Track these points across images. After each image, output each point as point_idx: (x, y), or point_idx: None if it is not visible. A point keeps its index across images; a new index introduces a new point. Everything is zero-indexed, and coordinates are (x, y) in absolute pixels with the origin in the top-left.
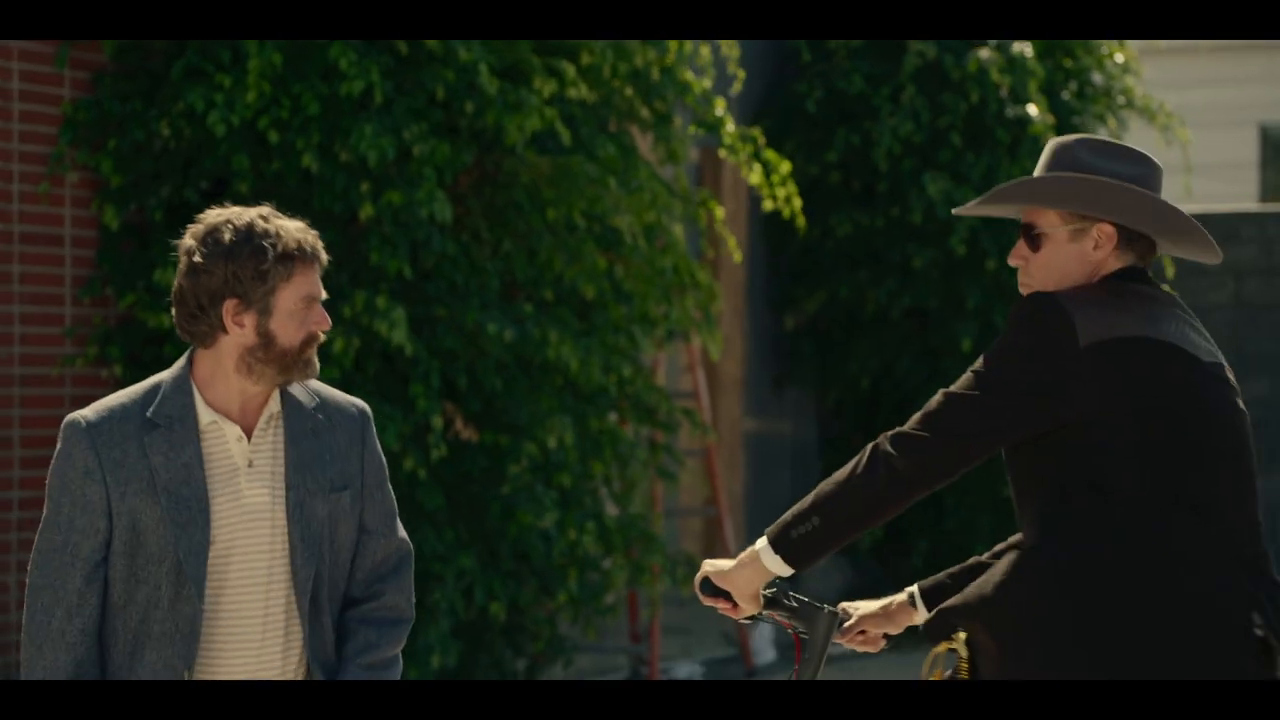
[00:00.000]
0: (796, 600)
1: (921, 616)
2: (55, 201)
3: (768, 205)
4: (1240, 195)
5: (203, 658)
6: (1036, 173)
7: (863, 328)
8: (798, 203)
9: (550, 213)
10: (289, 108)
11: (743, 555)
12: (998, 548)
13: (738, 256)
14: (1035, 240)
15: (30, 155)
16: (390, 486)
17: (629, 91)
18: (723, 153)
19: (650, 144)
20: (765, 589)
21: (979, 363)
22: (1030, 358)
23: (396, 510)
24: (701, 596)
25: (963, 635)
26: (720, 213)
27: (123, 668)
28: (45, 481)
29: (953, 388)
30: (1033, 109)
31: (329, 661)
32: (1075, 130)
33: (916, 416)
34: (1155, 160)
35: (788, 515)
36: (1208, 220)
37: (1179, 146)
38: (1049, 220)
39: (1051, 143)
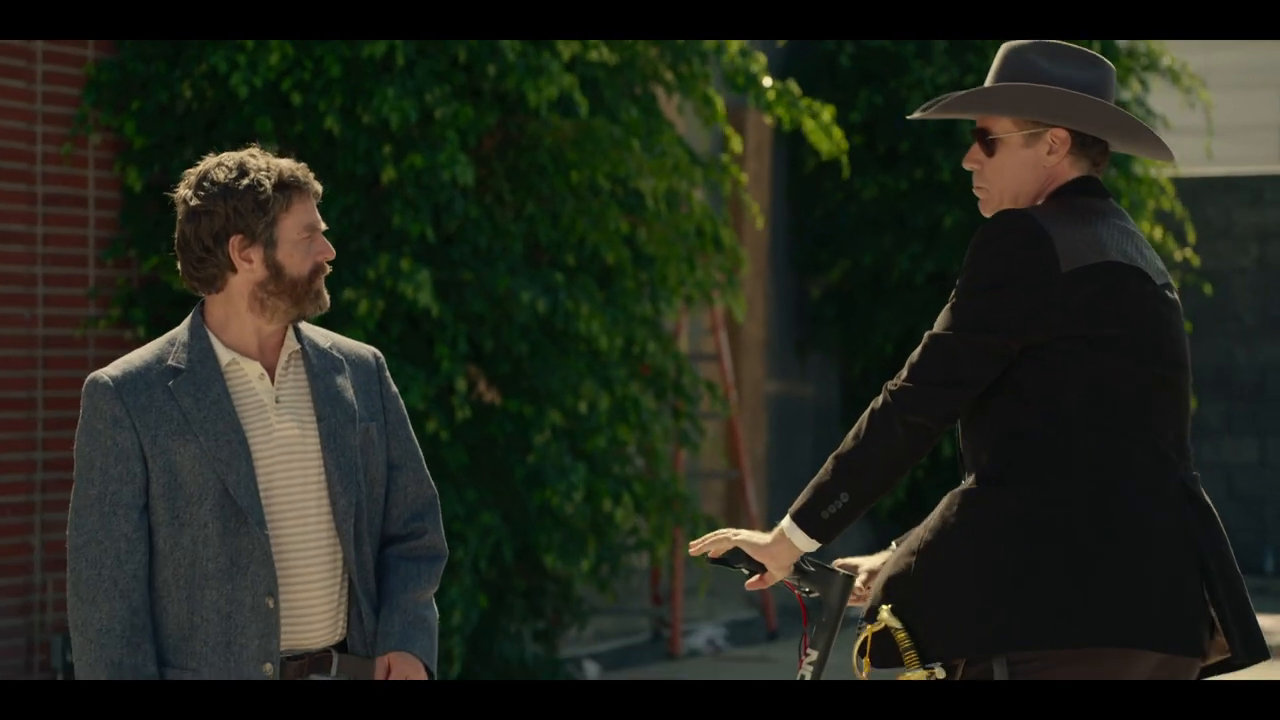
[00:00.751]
0: (813, 564)
1: None
2: (78, 163)
3: (826, 149)
4: (1264, 157)
5: (251, 593)
6: (989, 77)
7: (887, 292)
8: (844, 145)
9: (574, 175)
10: (311, 70)
11: (772, 534)
12: None
13: (760, 223)
14: (990, 145)
15: (53, 116)
16: (412, 430)
17: (653, 53)
18: (762, 111)
19: (676, 106)
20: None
21: (963, 293)
22: (1015, 283)
23: (421, 453)
24: (730, 565)
25: (886, 610)
26: (744, 178)
27: (182, 615)
28: (70, 443)
29: (941, 328)
30: None
31: (372, 592)
32: None
33: (913, 365)
34: (1106, 63)
35: (812, 494)
36: (1233, 182)
37: (1202, 108)
38: (1003, 126)
39: (1004, 47)
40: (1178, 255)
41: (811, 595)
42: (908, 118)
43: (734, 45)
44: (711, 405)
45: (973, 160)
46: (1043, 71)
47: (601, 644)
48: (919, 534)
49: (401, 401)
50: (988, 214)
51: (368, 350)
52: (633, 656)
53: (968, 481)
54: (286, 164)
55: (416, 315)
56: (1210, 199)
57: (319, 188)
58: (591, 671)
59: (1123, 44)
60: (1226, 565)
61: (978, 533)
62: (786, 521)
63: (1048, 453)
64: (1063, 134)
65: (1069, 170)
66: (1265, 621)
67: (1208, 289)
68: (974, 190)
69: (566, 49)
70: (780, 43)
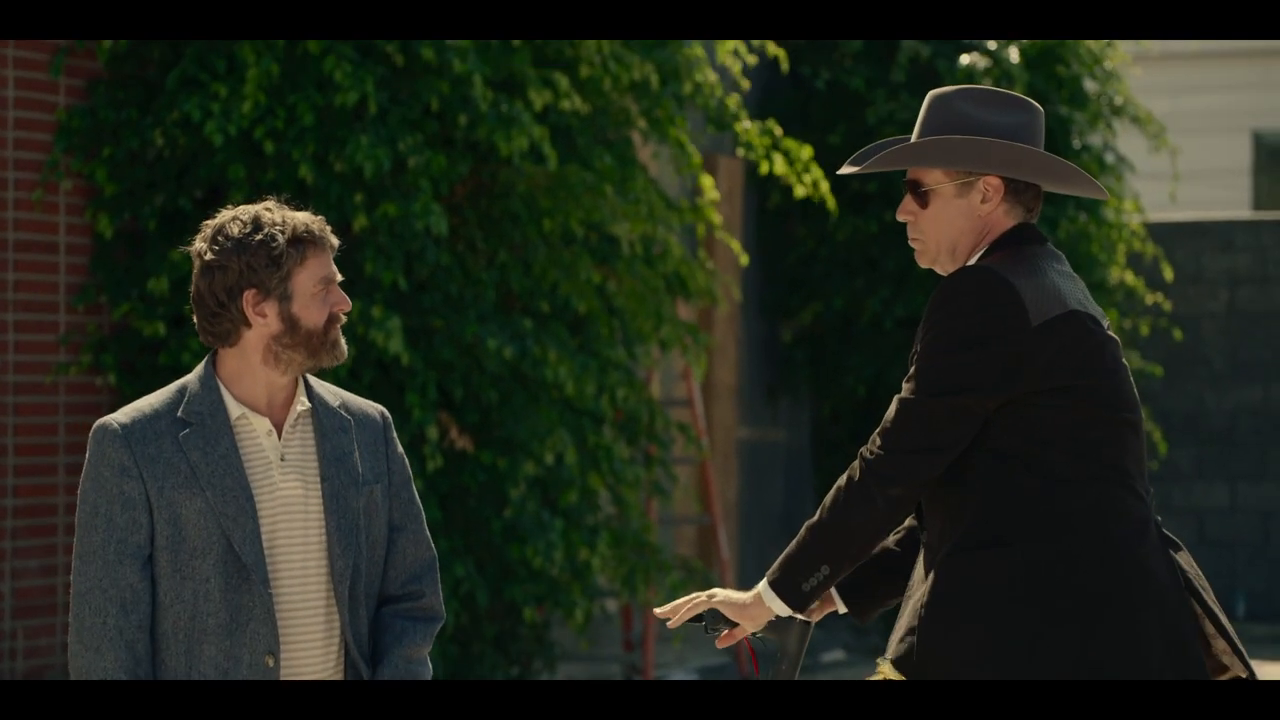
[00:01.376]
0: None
1: (841, 607)
2: (49, 209)
3: (799, 192)
4: (1233, 201)
5: (250, 650)
6: (917, 127)
7: (858, 335)
8: (825, 185)
9: (547, 223)
10: (284, 118)
11: (749, 596)
12: (901, 536)
13: (744, 259)
14: (923, 197)
15: (25, 163)
16: (414, 491)
17: (627, 103)
18: (741, 151)
19: (651, 153)
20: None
21: (932, 353)
22: (988, 341)
23: (423, 514)
24: (701, 623)
25: (886, 667)
26: (718, 220)
27: (180, 669)
28: (40, 490)
29: (912, 392)
30: None
31: (365, 655)
32: (1068, 135)
33: (887, 433)
34: (1034, 105)
35: (791, 564)
36: (1202, 228)
37: (1168, 154)
38: (935, 177)
39: (930, 96)
40: (1149, 299)
41: (768, 642)
42: (837, 173)
43: (708, 88)
44: (685, 449)
45: (906, 212)
46: (970, 119)
47: None
48: (914, 610)
49: (406, 462)
50: (924, 264)
51: (375, 410)
52: None
53: (947, 545)
54: (302, 218)
55: (387, 362)
56: (1181, 244)
57: (335, 241)
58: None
59: (1091, 88)
60: (1209, 593)
61: (986, 598)
62: (765, 589)
63: (1042, 509)
64: (995, 181)
65: (1004, 218)
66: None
67: (1178, 334)
68: (910, 242)
69: (539, 98)
70: (744, 84)
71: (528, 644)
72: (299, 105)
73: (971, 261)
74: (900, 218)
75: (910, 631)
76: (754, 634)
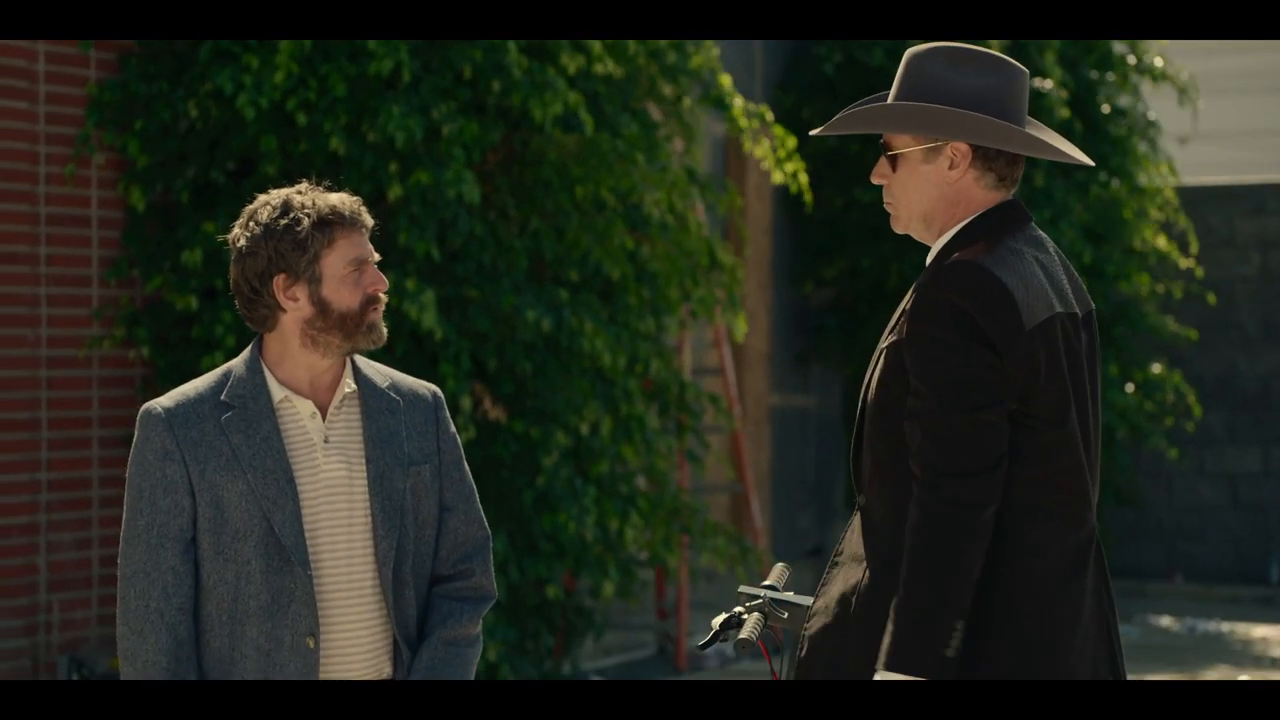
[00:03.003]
0: (784, 605)
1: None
2: (81, 183)
3: (776, 178)
4: (1266, 163)
5: (291, 631)
6: (893, 87)
7: (886, 299)
8: (804, 178)
9: (578, 190)
10: (316, 89)
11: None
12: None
13: (748, 250)
14: (893, 160)
15: (56, 137)
16: (467, 469)
17: (653, 68)
18: (728, 126)
19: (668, 124)
20: (750, 601)
21: (946, 365)
22: (994, 350)
23: (475, 492)
24: (722, 639)
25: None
26: (739, 202)
27: (224, 649)
28: (74, 464)
29: (943, 409)
30: (1048, 83)
31: (412, 636)
32: (1095, 100)
33: (943, 456)
34: (1014, 65)
35: (922, 635)
36: (1234, 191)
37: (1199, 115)
38: (903, 140)
39: (907, 54)
40: (1181, 264)
41: (785, 631)
42: (810, 134)
43: (708, 63)
44: (715, 419)
45: (879, 175)
46: (938, 81)
47: (606, 659)
48: (840, 589)
49: (459, 441)
50: (898, 229)
51: (426, 389)
52: (638, 671)
53: (880, 550)
54: (333, 199)
55: (421, 334)
56: (1212, 208)
57: (369, 221)
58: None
59: (1119, 49)
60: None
61: (881, 609)
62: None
63: None
64: (963, 147)
65: (977, 188)
66: (1271, 632)
67: (1211, 299)
68: (884, 204)
69: (572, 63)
70: (759, 50)
71: (568, 613)
72: (331, 76)
73: (947, 236)
74: (873, 180)
75: (830, 612)
76: (766, 625)
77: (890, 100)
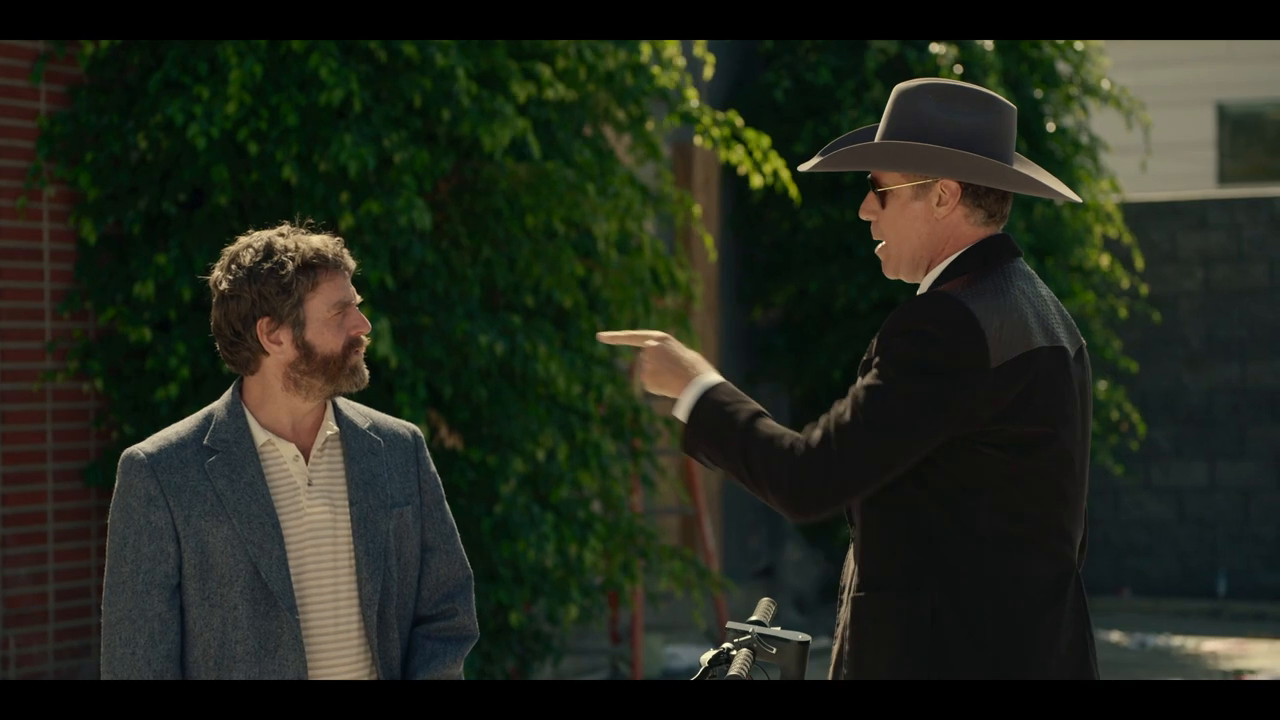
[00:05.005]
0: (772, 640)
1: None
2: (33, 216)
3: (756, 182)
4: (1198, 175)
5: (278, 677)
6: (881, 124)
7: (833, 321)
8: (786, 174)
9: (529, 219)
10: (268, 118)
11: (680, 383)
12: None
13: (713, 256)
14: (882, 197)
15: (7, 170)
16: (448, 509)
17: (603, 95)
18: (699, 139)
19: (626, 146)
20: (737, 637)
21: (891, 371)
22: (943, 375)
23: (456, 532)
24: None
25: None
26: (698, 210)
27: None
28: (28, 498)
29: (854, 416)
30: None
31: (395, 677)
32: (1041, 118)
33: (834, 444)
34: (1002, 102)
35: (716, 434)
36: (1176, 207)
37: (1140, 130)
38: (892, 178)
39: (896, 90)
40: (1125, 282)
41: (768, 668)
42: (799, 169)
43: (669, 80)
44: (670, 441)
45: (868, 211)
46: (928, 119)
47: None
48: (837, 645)
49: (439, 481)
50: (890, 274)
51: (406, 429)
52: None
53: (869, 584)
54: (316, 241)
55: (376, 363)
56: (1154, 223)
57: (352, 264)
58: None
59: (1063, 70)
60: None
61: (891, 642)
62: (692, 402)
63: (956, 564)
64: (953, 185)
65: (965, 225)
66: (1220, 645)
67: (1156, 317)
68: (876, 251)
69: (521, 91)
70: (708, 74)
71: (526, 641)
72: (282, 105)
73: (935, 273)
74: (863, 216)
75: (836, 667)
76: (755, 660)
77: (879, 136)
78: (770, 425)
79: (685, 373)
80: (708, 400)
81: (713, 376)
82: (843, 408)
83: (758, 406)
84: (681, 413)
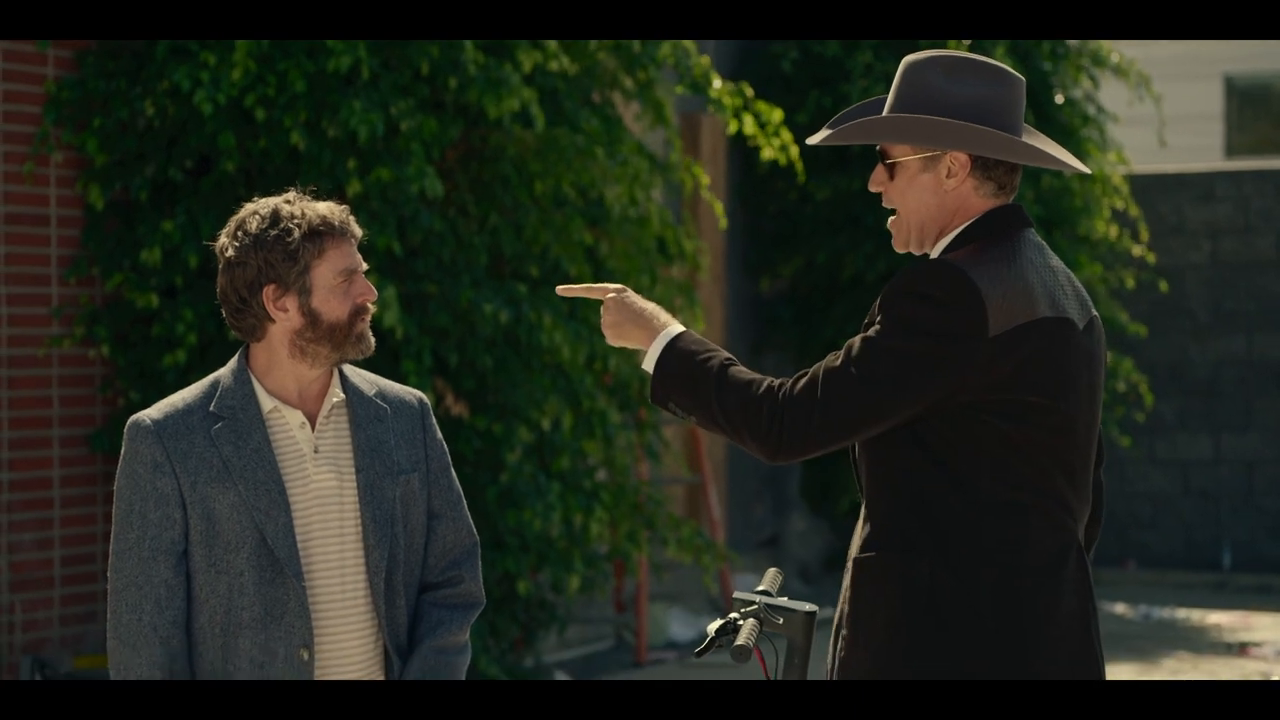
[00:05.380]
0: (778, 610)
1: None
2: (40, 181)
3: (766, 154)
4: (1205, 148)
5: (285, 644)
6: (890, 96)
7: (841, 292)
8: (795, 150)
9: (538, 186)
10: (275, 85)
11: (643, 335)
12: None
13: (723, 223)
14: (891, 169)
15: (14, 135)
16: (454, 476)
17: (612, 63)
18: (711, 107)
19: (635, 114)
20: (744, 607)
21: (889, 328)
22: (938, 337)
23: (463, 499)
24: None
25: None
26: (706, 179)
27: (216, 662)
28: (34, 463)
29: (859, 364)
30: None
31: (402, 644)
32: (1050, 89)
33: (813, 387)
34: (1011, 74)
35: (696, 364)
36: (1183, 179)
37: (1150, 103)
38: (900, 150)
39: (904, 62)
40: (1135, 252)
41: (775, 638)
42: (806, 142)
43: (680, 47)
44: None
45: (877, 183)
46: (937, 91)
47: (567, 651)
48: (839, 608)
49: (445, 448)
50: (899, 247)
51: (413, 396)
52: (598, 663)
53: (869, 547)
54: (322, 209)
55: (382, 330)
56: (1162, 196)
57: (358, 231)
58: (563, 679)
59: (1072, 42)
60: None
61: (889, 605)
62: (657, 354)
63: (958, 529)
64: (962, 157)
65: (975, 196)
66: (1225, 618)
67: (1163, 286)
68: (888, 224)
69: (527, 59)
70: (714, 44)
71: (531, 609)
72: (290, 72)
73: (944, 243)
74: (872, 188)
75: (837, 630)
76: (761, 630)
77: (888, 109)
78: (744, 371)
79: (648, 323)
80: (675, 349)
81: (676, 326)
82: (835, 358)
83: (726, 353)
84: (649, 363)
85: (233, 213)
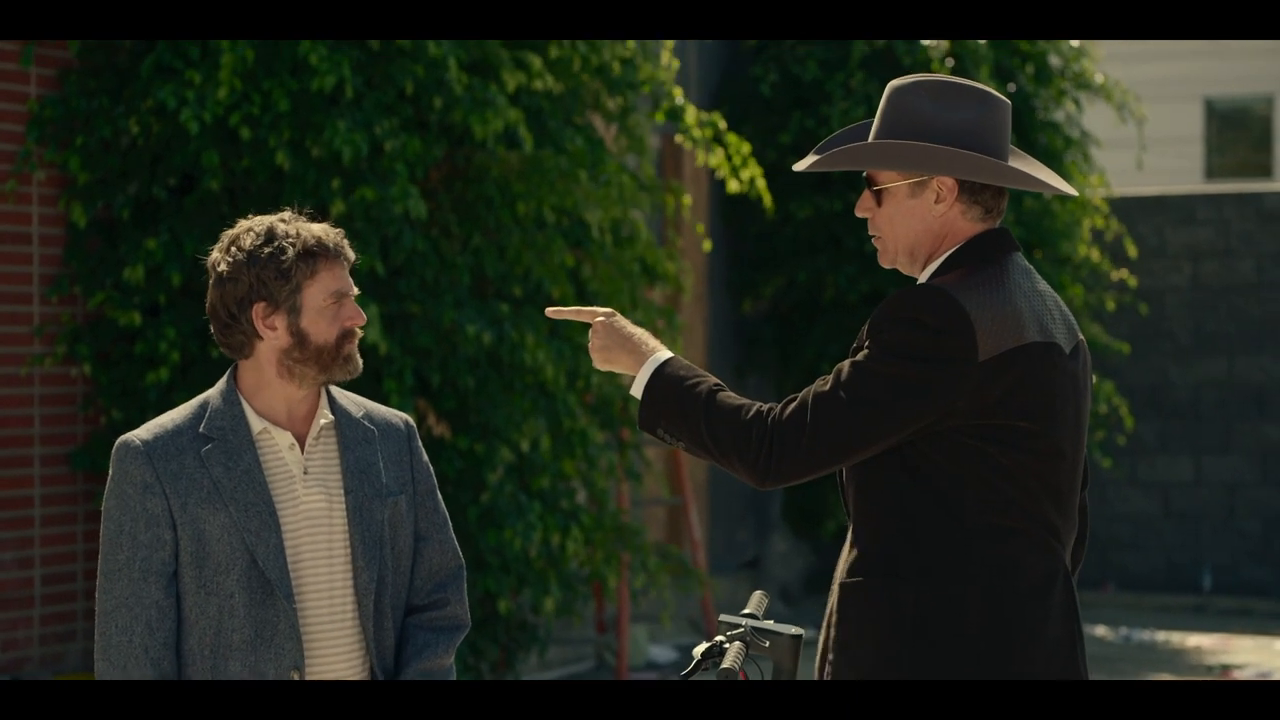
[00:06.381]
0: (765, 633)
1: None
2: (22, 200)
3: (732, 187)
4: (1186, 170)
5: (275, 665)
6: (876, 121)
7: (822, 312)
8: (762, 183)
9: (520, 207)
10: (260, 104)
11: (632, 360)
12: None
13: (707, 245)
14: (878, 195)
15: None
16: (440, 499)
17: (595, 84)
18: (680, 138)
19: (615, 135)
20: (730, 630)
21: (878, 353)
22: (928, 362)
23: (449, 521)
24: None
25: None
26: (688, 200)
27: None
28: (16, 483)
29: (848, 388)
30: None
31: (389, 667)
32: (1033, 112)
33: (810, 413)
34: (997, 97)
35: (685, 390)
36: (1164, 202)
37: (1133, 124)
38: (888, 176)
39: (890, 87)
40: (1114, 275)
41: (761, 661)
42: (793, 168)
43: (660, 75)
44: None
45: (864, 209)
46: (923, 116)
47: (547, 672)
48: (824, 632)
49: (431, 470)
50: (885, 264)
51: (399, 418)
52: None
53: (857, 571)
54: (318, 229)
55: (365, 349)
56: (1143, 218)
57: (352, 255)
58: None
59: (1055, 64)
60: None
61: (873, 632)
62: (648, 374)
63: (944, 552)
64: (949, 181)
65: (963, 221)
66: (1205, 640)
67: (1144, 309)
68: (871, 238)
69: (512, 80)
70: (695, 68)
71: (512, 630)
72: (274, 91)
73: (932, 267)
74: (859, 214)
75: (823, 656)
76: (748, 653)
77: (874, 134)
78: (732, 396)
79: (636, 349)
80: (664, 375)
81: (664, 352)
82: (824, 383)
83: (715, 379)
84: (637, 389)
85: (216, 231)
